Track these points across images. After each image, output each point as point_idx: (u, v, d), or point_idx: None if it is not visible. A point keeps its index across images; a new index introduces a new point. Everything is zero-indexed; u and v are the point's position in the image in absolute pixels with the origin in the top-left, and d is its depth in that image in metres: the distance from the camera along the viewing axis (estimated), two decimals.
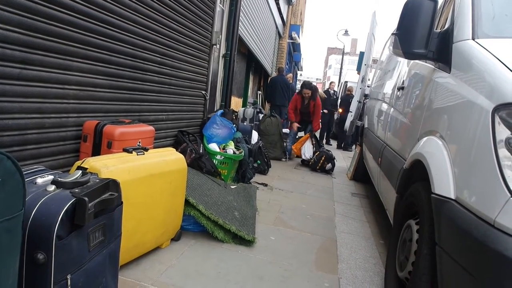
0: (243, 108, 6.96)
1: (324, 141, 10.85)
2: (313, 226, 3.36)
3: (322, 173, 6.13)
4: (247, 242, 2.68)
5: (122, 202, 1.46)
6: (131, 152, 2.13)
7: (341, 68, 26.00)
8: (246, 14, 6.90)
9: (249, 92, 9.34)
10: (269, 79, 10.50)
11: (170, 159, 2.40)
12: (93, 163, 1.87)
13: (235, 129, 4.03)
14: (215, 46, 4.48)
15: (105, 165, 1.89)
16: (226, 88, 5.00)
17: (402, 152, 2.58)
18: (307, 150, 6.59)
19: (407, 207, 2.22)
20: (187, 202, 2.64)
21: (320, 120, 6.81)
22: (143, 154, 2.19)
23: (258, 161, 5.20)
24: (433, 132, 1.98)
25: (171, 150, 2.53)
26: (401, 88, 3.13)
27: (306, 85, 6.89)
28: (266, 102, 9.44)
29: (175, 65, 3.63)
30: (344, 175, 6.30)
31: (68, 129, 2.33)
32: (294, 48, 17.63)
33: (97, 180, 1.34)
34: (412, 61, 3.08)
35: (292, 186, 4.83)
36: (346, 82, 13.88)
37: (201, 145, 3.63)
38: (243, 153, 3.99)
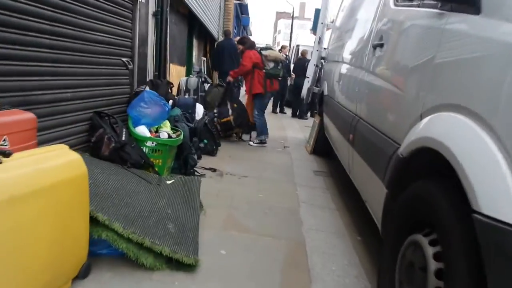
0: (185, 78, 6.02)
1: (278, 109, 10.19)
2: (274, 224, 2.68)
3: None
4: (187, 266, 1.94)
5: None
6: None
7: (291, 33, 25.23)
8: None
9: (193, 60, 8.33)
10: (215, 44, 9.53)
11: (54, 165, 1.55)
12: None
13: (169, 106, 3.18)
14: (140, 1, 3.52)
15: None
16: (160, 54, 4.07)
17: (392, 131, 1.91)
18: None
19: (408, 213, 1.57)
20: (95, 221, 1.83)
21: (237, 71, 5.44)
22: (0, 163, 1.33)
23: (205, 140, 4.40)
24: (455, 107, 1.30)
25: (59, 148, 1.68)
26: (378, 46, 2.42)
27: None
28: (213, 70, 8.53)
29: (82, 24, 2.68)
30: (302, 148, 5.67)
31: None
32: (242, 10, 16.49)
33: None
34: (392, 9, 2.38)
35: (245, 167, 4.11)
36: (298, 45, 13.16)
37: (124, 129, 2.76)
38: (181, 136, 3.17)
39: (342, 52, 4.06)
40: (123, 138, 2.68)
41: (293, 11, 22.51)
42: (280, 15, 65.17)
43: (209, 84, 6.27)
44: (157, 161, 2.94)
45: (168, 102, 3.39)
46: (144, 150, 2.89)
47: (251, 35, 27.78)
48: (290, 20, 26.62)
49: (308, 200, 3.29)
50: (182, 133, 3.25)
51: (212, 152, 4.46)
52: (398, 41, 2.12)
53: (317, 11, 6.25)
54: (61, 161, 1.61)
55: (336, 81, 4.22)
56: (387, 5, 2.52)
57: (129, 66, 3.18)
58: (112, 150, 2.59)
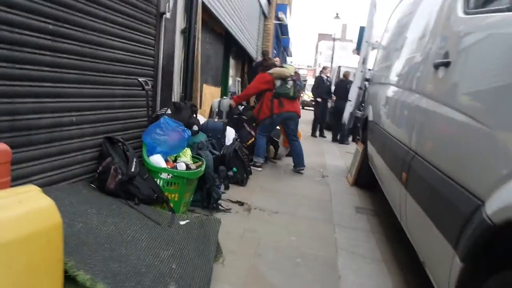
0: (218, 99, 5.71)
1: (318, 133, 9.68)
2: (306, 281, 2.18)
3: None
4: None
5: None
6: None
7: (332, 54, 24.89)
8: None
9: (229, 80, 8.08)
10: (253, 64, 9.25)
11: (13, 215, 1.18)
12: None
13: (190, 132, 2.80)
14: (165, 15, 3.23)
15: None
16: (186, 74, 3.76)
17: (469, 180, 1.39)
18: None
19: None
20: (73, 281, 1.44)
21: (241, 95, 5.14)
22: None
23: (234, 169, 4.00)
24: None
25: (27, 191, 1.31)
26: (442, 65, 1.92)
27: None
28: None
29: (92, 40, 2.39)
30: (343, 178, 5.12)
31: None
32: (282, 31, 16.24)
33: None
34: (461, 18, 1.89)
35: (277, 201, 3.64)
36: (339, 67, 12.67)
37: (135, 159, 2.40)
38: (203, 167, 2.77)
39: (390, 73, 3.56)
40: (132, 169, 2.31)
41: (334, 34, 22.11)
42: (322, 36, 65.01)
43: (243, 106, 5.92)
44: (173, 195, 2.55)
45: (192, 127, 3.03)
46: (158, 182, 2.52)
47: (291, 56, 27.57)
48: (332, 42, 26.40)
49: (349, 247, 2.76)
50: (205, 163, 2.86)
51: (241, 182, 4.04)
52: (475, 58, 1.61)
53: (361, 29, 5.80)
54: (26, 209, 1.24)
55: (383, 106, 3.70)
56: (453, 14, 2.02)
57: (146, 87, 2.86)
58: (118, 183, 2.23)
